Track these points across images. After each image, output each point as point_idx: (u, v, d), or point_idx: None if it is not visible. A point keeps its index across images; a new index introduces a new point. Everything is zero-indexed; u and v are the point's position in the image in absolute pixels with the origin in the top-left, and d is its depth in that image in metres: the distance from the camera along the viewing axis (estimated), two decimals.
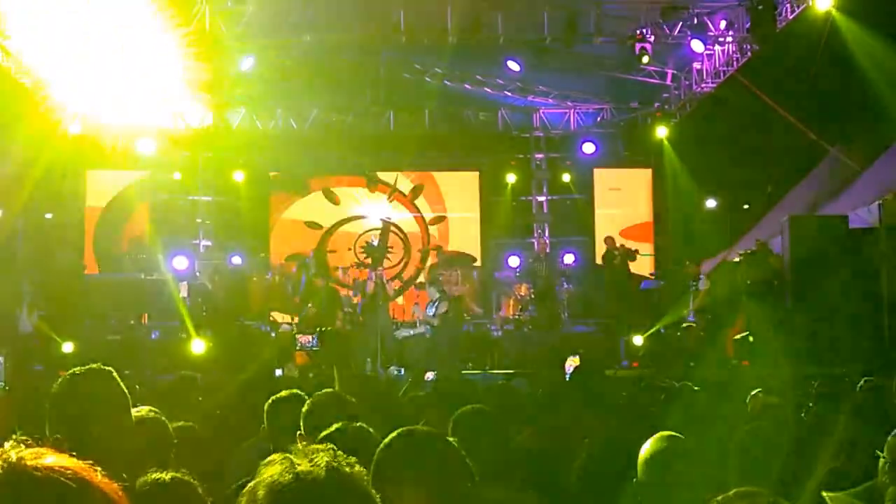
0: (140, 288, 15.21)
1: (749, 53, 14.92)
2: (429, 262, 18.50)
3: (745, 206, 18.34)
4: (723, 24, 14.76)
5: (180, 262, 16.16)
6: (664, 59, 16.38)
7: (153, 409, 3.46)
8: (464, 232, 19.29)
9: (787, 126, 14.85)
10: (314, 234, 18.87)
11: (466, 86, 17.91)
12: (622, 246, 16.82)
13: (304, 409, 3.80)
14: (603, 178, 19.44)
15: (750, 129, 16.42)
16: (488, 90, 18.10)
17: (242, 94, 17.40)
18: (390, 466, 2.43)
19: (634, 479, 3.23)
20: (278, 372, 13.03)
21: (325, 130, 18.60)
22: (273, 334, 15.42)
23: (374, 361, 14.04)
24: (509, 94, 18.26)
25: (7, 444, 1.36)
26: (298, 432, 3.60)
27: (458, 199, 19.42)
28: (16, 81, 13.29)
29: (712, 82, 16.20)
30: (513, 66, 16.51)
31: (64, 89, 12.82)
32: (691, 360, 13.35)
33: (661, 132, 17.74)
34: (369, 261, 17.16)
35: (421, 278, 17.70)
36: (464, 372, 13.75)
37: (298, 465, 1.53)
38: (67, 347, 13.05)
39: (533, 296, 16.72)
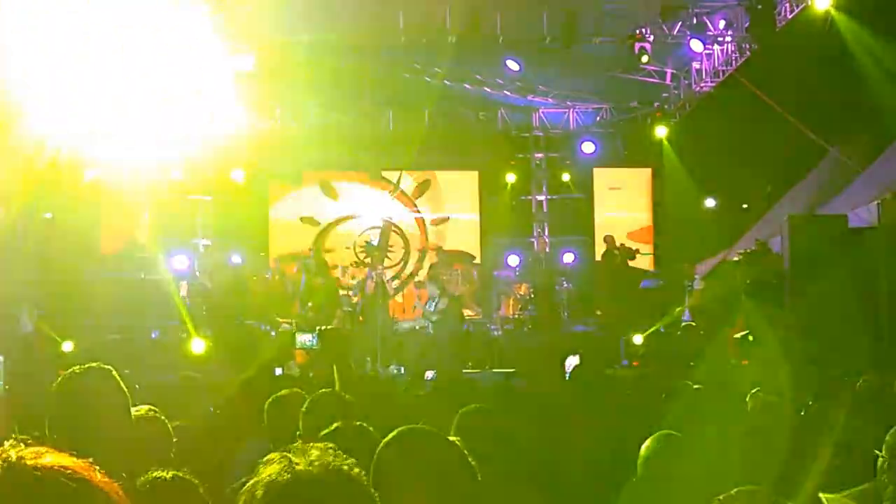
0: (140, 287, 15.19)
1: (748, 53, 14.94)
2: (427, 262, 18.51)
3: (745, 206, 18.34)
4: (722, 23, 14.77)
5: (180, 262, 16.15)
6: (664, 59, 16.38)
7: (153, 408, 3.46)
8: (463, 231, 19.29)
9: (787, 126, 14.84)
10: (310, 231, 18.86)
11: (466, 85, 17.90)
12: (622, 245, 16.83)
13: (302, 409, 3.80)
14: (602, 177, 19.44)
15: (749, 129, 16.42)
16: (488, 90, 18.09)
17: (241, 94, 17.37)
18: (390, 465, 2.43)
19: (634, 478, 3.24)
20: (278, 371, 13.03)
21: (325, 130, 18.59)
22: (273, 333, 15.42)
23: (374, 360, 14.05)
24: (509, 93, 18.25)
25: (7, 444, 1.35)
26: (297, 432, 3.61)
27: (458, 199, 19.42)
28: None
29: (712, 82, 16.21)
30: (512, 65, 16.51)
31: (63, 89, 12.81)
32: (691, 359, 13.35)
33: (661, 132, 17.74)
34: (369, 260, 17.15)
35: (420, 277, 17.70)
36: (464, 371, 13.77)
37: (297, 464, 1.53)
38: (67, 347, 13.05)
39: (533, 295, 16.73)
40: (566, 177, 19.17)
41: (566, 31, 14.51)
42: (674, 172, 17.93)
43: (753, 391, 6.73)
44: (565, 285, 17.34)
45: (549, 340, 15.43)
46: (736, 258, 15.12)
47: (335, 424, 3.07)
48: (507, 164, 19.23)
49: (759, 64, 14.96)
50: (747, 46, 14.82)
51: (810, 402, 6.34)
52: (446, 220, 19.28)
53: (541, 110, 19.24)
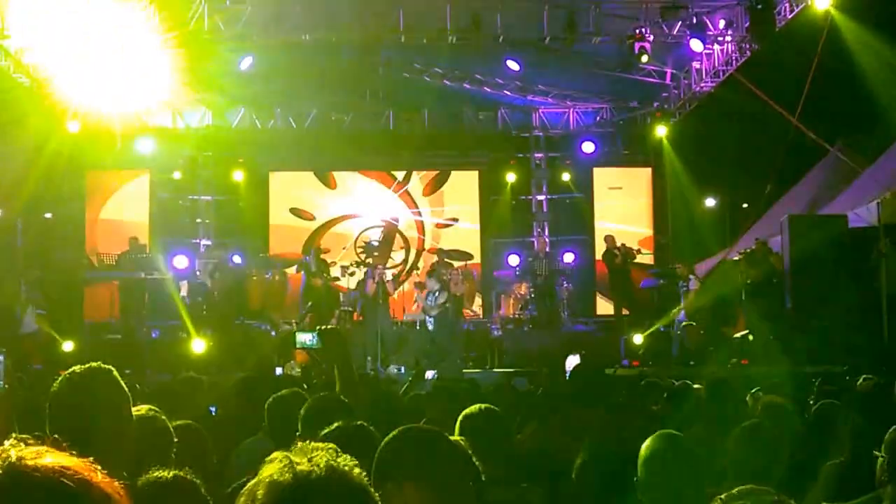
0: (140, 287, 15.20)
1: (748, 53, 14.93)
2: (423, 261, 18.55)
3: (745, 206, 18.35)
4: (722, 23, 14.76)
5: (180, 262, 16.15)
6: (663, 59, 16.38)
7: (153, 407, 3.45)
8: (463, 231, 19.30)
9: (787, 125, 14.83)
10: (306, 225, 18.88)
11: (466, 85, 17.91)
12: (623, 245, 16.83)
13: (301, 413, 3.79)
14: (602, 177, 19.44)
15: (749, 129, 16.44)
16: (487, 89, 18.10)
17: (241, 94, 17.41)
18: (391, 465, 2.43)
19: (635, 478, 3.23)
20: (278, 370, 13.04)
21: (325, 130, 18.61)
22: (273, 333, 15.43)
23: (375, 360, 14.05)
24: (509, 93, 18.26)
25: (7, 443, 1.35)
26: (297, 433, 3.60)
27: (458, 199, 19.43)
28: (15, 81, 13.29)
29: (711, 81, 16.21)
30: (512, 65, 16.51)
31: (63, 89, 12.82)
32: (691, 358, 13.36)
33: (661, 131, 17.74)
34: (370, 260, 17.16)
35: (420, 278, 17.71)
36: (464, 371, 13.77)
37: (298, 464, 1.53)
38: (67, 346, 13.06)
39: (533, 294, 16.73)
40: (566, 176, 19.18)
41: (566, 31, 14.51)
42: (674, 172, 17.94)
43: (753, 390, 6.74)
44: (565, 285, 17.34)
45: (549, 340, 15.44)
46: (736, 258, 15.12)
47: (336, 424, 3.07)
48: (506, 163, 19.24)
49: (759, 64, 14.97)
50: (747, 46, 14.81)
51: (811, 402, 6.35)
52: (451, 224, 19.30)
53: (541, 110, 19.24)
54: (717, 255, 16.51)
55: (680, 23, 14.47)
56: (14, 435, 1.39)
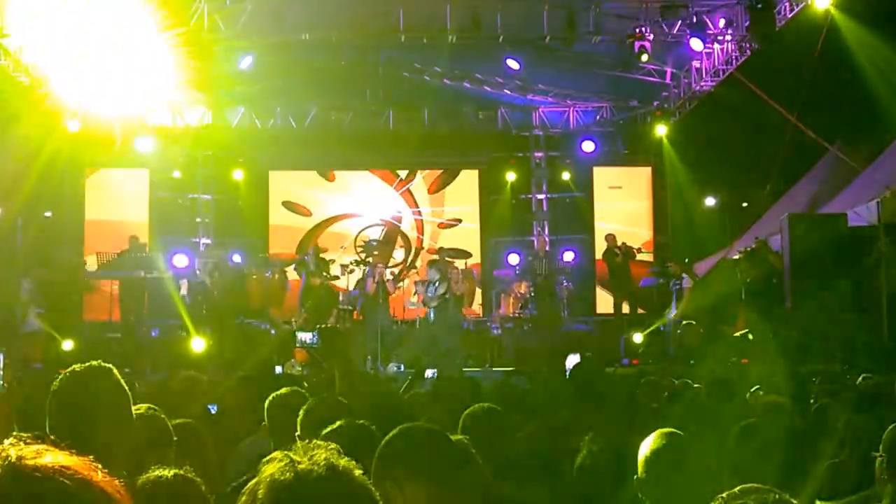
0: (140, 286, 15.20)
1: (748, 52, 14.93)
2: (421, 260, 18.57)
3: (744, 205, 18.34)
4: (722, 22, 14.76)
5: (180, 261, 16.13)
6: (663, 58, 16.37)
7: (152, 406, 3.46)
8: (463, 230, 19.31)
9: (786, 124, 14.84)
10: (305, 228, 18.88)
11: (466, 84, 17.90)
12: (623, 244, 16.82)
13: (300, 416, 3.79)
14: (602, 176, 19.45)
15: (749, 128, 16.42)
16: (487, 88, 18.10)
17: (241, 93, 17.40)
18: (391, 464, 2.43)
19: (635, 477, 3.23)
20: (278, 369, 13.03)
21: (324, 129, 18.61)
22: (273, 332, 15.42)
23: (375, 359, 14.05)
24: (509, 92, 18.25)
25: (7, 442, 1.35)
26: (296, 433, 3.60)
27: (458, 197, 19.43)
28: (14, 80, 13.28)
29: (711, 81, 16.20)
30: (512, 64, 16.50)
31: (63, 88, 12.82)
32: (691, 357, 13.36)
33: (661, 130, 17.73)
34: (370, 259, 17.16)
35: (418, 276, 17.71)
36: (464, 370, 13.77)
37: (299, 463, 1.53)
38: (67, 345, 13.05)
39: (533, 293, 16.71)
40: (566, 175, 19.17)
41: (566, 30, 14.52)
42: (674, 171, 17.94)
43: (753, 389, 6.74)
44: (565, 284, 17.33)
45: (549, 339, 15.43)
46: (736, 257, 15.12)
47: (338, 423, 3.07)
48: (506, 162, 19.24)
49: (759, 63, 14.96)
50: (747, 45, 14.81)
51: (811, 401, 6.35)
52: (455, 224, 19.31)
53: (541, 109, 19.24)
54: (717, 254, 16.52)
55: (680, 22, 14.47)
56: (14, 434, 1.38)
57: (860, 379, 7.17)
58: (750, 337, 13.49)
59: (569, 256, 17.98)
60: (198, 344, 13.45)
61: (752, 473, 3.30)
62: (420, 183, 19.34)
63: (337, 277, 16.31)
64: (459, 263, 17.67)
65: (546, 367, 12.07)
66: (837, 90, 14.90)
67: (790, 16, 13.66)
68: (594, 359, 12.16)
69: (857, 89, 13.83)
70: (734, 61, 15.33)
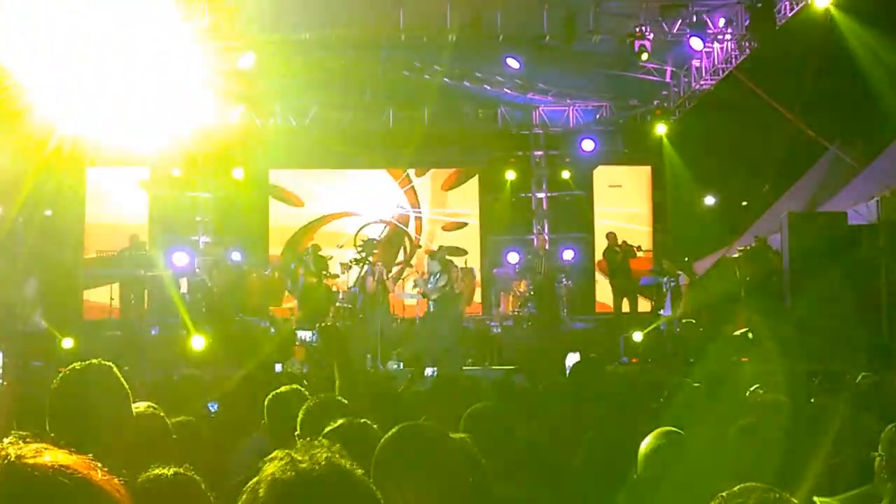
0: (140, 284, 15.20)
1: (748, 51, 14.92)
2: (417, 259, 18.59)
3: (744, 203, 18.34)
4: (722, 21, 14.75)
5: (180, 259, 16.15)
6: (663, 57, 16.37)
7: (152, 404, 3.46)
8: (463, 229, 19.31)
9: (786, 123, 14.85)
10: (303, 227, 18.89)
11: (466, 83, 17.89)
12: (624, 242, 16.83)
13: (300, 415, 3.78)
14: (602, 175, 19.45)
15: (749, 127, 16.42)
16: (488, 87, 18.08)
17: (241, 91, 17.38)
18: (391, 462, 2.43)
19: (635, 475, 3.23)
20: (278, 367, 13.03)
21: (324, 128, 18.60)
22: (273, 330, 15.43)
23: (374, 357, 14.05)
24: (509, 91, 18.24)
25: (6, 441, 1.35)
26: (296, 433, 3.60)
27: (458, 196, 19.43)
28: (14, 79, 13.26)
29: (711, 80, 16.19)
30: (512, 63, 16.49)
31: (63, 87, 12.80)
32: (691, 356, 13.36)
33: (661, 129, 17.73)
34: (370, 258, 17.16)
35: (416, 275, 17.72)
36: (464, 368, 13.77)
37: (300, 462, 1.53)
38: (67, 343, 13.05)
39: (532, 292, 16.72)
40: (566, 174, 19.17)
41: (566, 29, 14.50)
42: (673, 170, 17.93)
43: (753, 388, 6.73)
44: (565, 282, 17.34)
45: (548, 337, 15.44)
46: (735, 255, 15.12)
47: (340, 421, 3.07)
48: (506, 161, 19.24)
49: (759, 62, 14.96)
50: (747, 44, 14.81)
51: (811, 399, 6.34)
52: (461, 226, 19.33)
53: (541, 108, 19.23)
54: (717, 252, 16.52)
55: (680, 21, 14.47)
56: (13, 432, 1.38)
57: (859, 377, 7.16)
58: (749, 335, 13.49)
59: (568, 255, 17.99)
60: (198, 342, 13.45)
61: (752, 472, 3.30)
62: (427, 180, 19.33)
63: (336, 275, 16.31)
64: (459, 262, 17.67)
65: (546, 366, 12.07)
66: (837, 89, 14.89)
67: (790, 15, 13.65)
68: (598, 360, 12.18)
69: (856, 88, 13.83)
70: (734, 60, 15.33)
